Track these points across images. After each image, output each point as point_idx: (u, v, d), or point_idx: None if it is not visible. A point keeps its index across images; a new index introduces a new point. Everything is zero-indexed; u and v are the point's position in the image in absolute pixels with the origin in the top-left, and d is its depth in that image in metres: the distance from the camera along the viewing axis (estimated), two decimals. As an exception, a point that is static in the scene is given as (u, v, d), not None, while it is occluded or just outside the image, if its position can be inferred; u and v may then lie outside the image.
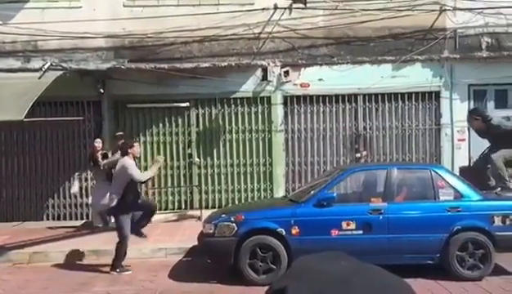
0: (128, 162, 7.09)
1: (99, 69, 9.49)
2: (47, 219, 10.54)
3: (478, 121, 7.82)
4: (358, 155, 10.53)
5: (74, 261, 7.69)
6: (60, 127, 10.30)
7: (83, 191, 10.26)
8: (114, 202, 6.96)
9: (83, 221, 10.06)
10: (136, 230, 7.23)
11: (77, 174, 10.16)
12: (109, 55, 10.21)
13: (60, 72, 9.07)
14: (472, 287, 5.97)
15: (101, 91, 9.98)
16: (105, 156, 9.23)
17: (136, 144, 7.43)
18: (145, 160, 10.61)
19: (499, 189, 7.29)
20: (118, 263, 6.97)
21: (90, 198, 9.69)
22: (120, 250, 6.95)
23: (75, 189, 9.85)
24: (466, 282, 6.10)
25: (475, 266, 6.28)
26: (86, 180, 10.32)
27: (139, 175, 7.15)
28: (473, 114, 8.13)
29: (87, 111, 10.43)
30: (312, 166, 10.64)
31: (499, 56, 10.19)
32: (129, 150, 7.20)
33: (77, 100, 10.29)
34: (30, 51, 9.98)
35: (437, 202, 6.52)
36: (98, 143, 9.38)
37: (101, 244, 8.11)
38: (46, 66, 8.97)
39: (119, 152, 8.84)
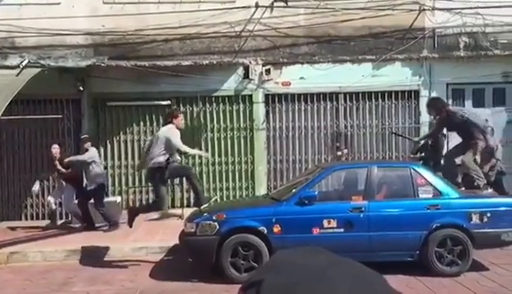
0: (173, 130, 6.99)
1: (78, 67, 9.37)
2: (26, 218, 10.39)
3: (442, 110, 7.94)
4: (339, 153, 10.60)
5: (53, 261, 7.58)
6: (39, 125, 10.14)
7: (47, 191, 10.17)
8: (160, 160, 6.84)
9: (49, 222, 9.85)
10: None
11: (43, 174, 10.01)
12: (88, 52, 10.08)
13: (39, 69, 8.92)
14: (450, 282, 6.07)
15: (81, 88, 9.87)
16: (65, 167, 9.14)
17: (180, 115, 7.38)
18: (126, 159, 10.53)
19: (490, 189, 7.49)
20: (130, 217, 7.12)
21: (50, 198, 9.56)
22: (152, 206, 7.01)
23: (36, 187, 9.69)
24: (445, 278, 6.20)
25: (453, 262, 6.38)
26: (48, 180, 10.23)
27: (180, 143, 6.96)
28: (439, 103, 8.19)
29: (66, 109, 10.29)
30: (294, 164, 10.69)
31: (476, 56, 10.38)
32: (174, 120, 7.13)
33: (56, 97, 10.15)
34: (8, 47, 9.80)
35: (416, 200, 6.61)
36: (55, 149, 9.22)
37: (80, 244, 8.01)
38: (23, 63, 8.81)
39: (86, 153, 9.08)
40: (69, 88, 9.77)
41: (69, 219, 9.84)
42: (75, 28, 9.83)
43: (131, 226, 7.34)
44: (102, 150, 10.50)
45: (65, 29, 9.68)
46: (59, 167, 9.10)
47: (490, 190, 7.73)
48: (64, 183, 9.41)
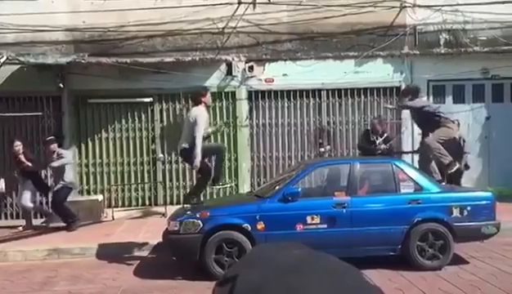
0: (202, 113, 6.98)
1: (58, 63, 9.21)
2: (6, 218, 10.22)
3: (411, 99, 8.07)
4: (322, 150, 10.67)
5: (34, 261, 7.48)
6: (18, 123, 9.98)
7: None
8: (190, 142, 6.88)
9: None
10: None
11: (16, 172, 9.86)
12: (68, 48, 9.94)
13: (18, 66, 8.77)
14: (431, 276, 6.15)
15: (61, 85, 9.73)
16: (29, 160, 9.02)
17: (208, 93, 7.36)
18: (108, 156, 10.43)
19: (457, 166, 7.58)
20: (190, 197, 7.15)
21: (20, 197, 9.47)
22: (201, 184, 7.19)
23: (1, 186, 9.53)
24: (426, 271, 6.28)
25: (435, 256, 6.47)
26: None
27: (200, 132, 6.87)
28: (412, 93, 8.28)
29: (46, 106, 10.14)
30: (277, 161, 10.71)
31: (456, 53, 10.52)
32: (202, 99, 7.08)
33: (35, 95, 10.00)
34: (-15, 44, 9.60)
35: (398, 195, 6.69)
36: (17, 146, 9.04)
37: (61, 242, 7.93)
38: (2, 60, 8.61)
39: (66, 154, 9.07)
40: (49, 85, 9.62)
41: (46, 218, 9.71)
42: (55, 25, 9.67)
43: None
44: (83, 148, 10.39)
45: (45, 25, 9.52)
46: (23, 159, 8.89)
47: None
48: (22, 179, 9.18)
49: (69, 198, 9.30)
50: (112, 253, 7.62)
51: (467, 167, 9.54)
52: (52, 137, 9.35)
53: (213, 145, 7.57)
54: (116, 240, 8.00)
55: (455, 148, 9.13)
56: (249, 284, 0.82)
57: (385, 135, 8.71)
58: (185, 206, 7.16)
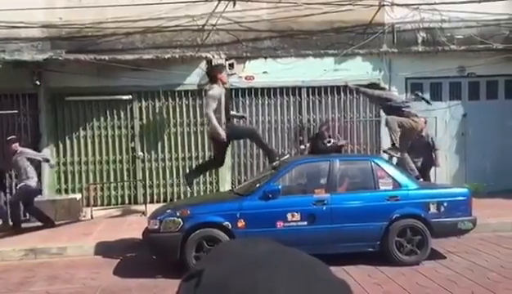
0: (215, 91, 6.95)
1: (34, 60, 9.04)
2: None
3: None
4: (302, 147, 10.70)
5: (10, 261, 7.35)
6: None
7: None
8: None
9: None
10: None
11: None
12: (45, 45, 9.76)
13: (-8, 63, 8.59)
14: (409, 271, 6.25)
15: (37, 83, 9.56)
16: None
17: (224, 69, 7.39)
18: (86, 155, 10.29)
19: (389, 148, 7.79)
20: (190, 174, 7.59)
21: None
22: (207, 164, 7.62)
23: None
24: (404, 267, 6.37)
25: (413, 251, 6.57)
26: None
27: (211, 110, 6.92)
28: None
29: (22, 104, 9.95)
30: (258, 158, 10.71)
31: (434, 51, 10.68)
32: (218, 75, 7.03)
33: (11, 92, 9.80)
34: (-42, 40, 9.37)
35: (377, 192, 6.76)
36: None
37: (38, 242, 7.81)
38: (-24, 57, 8.46)
39: (18, 154, 8.82)
40: (26, 83, 9.44)
41: (27, 217, 9.54)
42: (31, 21, 9.48)
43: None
44: (61, 147, 10.23)
45: (21, 22, 9.33)
46: None
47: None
48: None
49: (50, 198, 9.15)
50: (91, 253, 7.54)
51: (436, 163, 9.71)
52: (14, 136, 9.13)
53: (244, 129, 7.48)
54: (95, 239, 7.90)
55: (424, 145, 9.32)
56: (214, 278, 0.82)
57: (332, 141, 8.65)
58: (186, 178, 7.41)
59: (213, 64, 9.01)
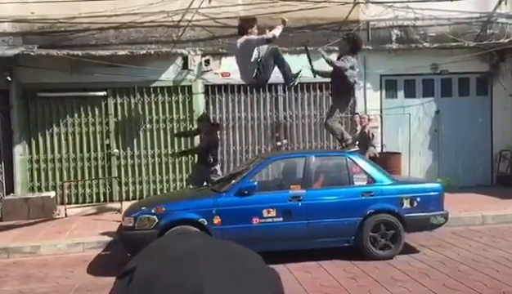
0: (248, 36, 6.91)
1: (5, 56, 8.83)
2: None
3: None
4: (279, 143, 10.76)
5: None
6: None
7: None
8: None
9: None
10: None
11: None
12: (16, 40, 9.55)
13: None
14: (383, 265, 6.35)
15: (9, 78, 9.35)
16: None
17: (256, 25, 7.20)
18: (59, 152, 10.12)
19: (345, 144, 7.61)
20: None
21: None
22: None
23: None
24: (378, 261, 6.48)
25: (387, 246, 6.68)
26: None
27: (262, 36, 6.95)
28: (353, 44, 8.24)
29: (-8, 100, 9.72)
30: (234, 155, 10.72)
31: (407, 48, 10.84)
32: (249, 30, 6.98)
33: (-19, 88, 9.55)
34: None
35: (352, 188, 6.85)
36: None
37: (11, 241, 7.66)
38: None
39: None
40: (-4, 78, 9.23)
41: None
42: (2, 15, 9.28)
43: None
44: (34, 144, 10.04)
45: (-10, 16, 9.11)
46: None
47: None
48: None
49: (23, 196, 8.92)
50: (65, 251, 7.43)
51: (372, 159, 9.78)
52: None
53: (266, 51, 7.40)
54: (69, 238, 7.80)
55: (364, 140, 9.35)
56: (146, 273, 0.85)
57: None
58: None
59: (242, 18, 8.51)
